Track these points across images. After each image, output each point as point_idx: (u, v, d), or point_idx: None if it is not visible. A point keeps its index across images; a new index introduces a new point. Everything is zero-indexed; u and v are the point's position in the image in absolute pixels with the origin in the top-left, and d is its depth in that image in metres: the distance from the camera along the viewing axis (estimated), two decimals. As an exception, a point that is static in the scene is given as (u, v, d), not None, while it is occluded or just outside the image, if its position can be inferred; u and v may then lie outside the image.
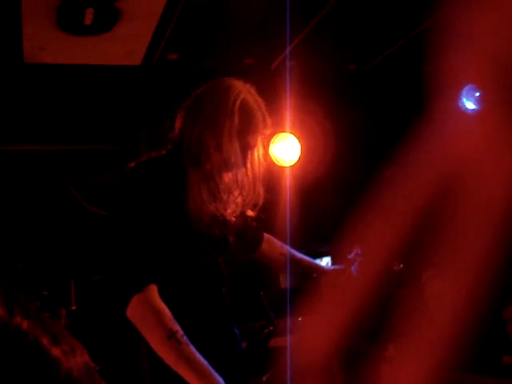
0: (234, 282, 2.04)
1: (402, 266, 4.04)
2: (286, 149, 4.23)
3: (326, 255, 4.54)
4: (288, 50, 4.16)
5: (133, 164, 1.89)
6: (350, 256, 2.23)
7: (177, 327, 1.67)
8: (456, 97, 3.96)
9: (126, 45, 3.82)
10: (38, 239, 4.55)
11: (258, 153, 2.00)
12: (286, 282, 4.13)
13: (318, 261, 4.64)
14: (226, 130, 1.86)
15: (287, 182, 4.14)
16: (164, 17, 3.52)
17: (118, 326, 1.82)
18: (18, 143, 4.30)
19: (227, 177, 1.93)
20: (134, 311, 1.69)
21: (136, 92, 4.29)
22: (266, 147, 2.06)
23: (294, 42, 4.08)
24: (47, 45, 3.73)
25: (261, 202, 2.01)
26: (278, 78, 4.05)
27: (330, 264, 4.69)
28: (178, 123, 1.95)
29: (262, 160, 2.02)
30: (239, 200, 1.97)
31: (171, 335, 1.65)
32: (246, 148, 1.92)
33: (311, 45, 4.17)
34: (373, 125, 4.77)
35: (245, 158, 1.93)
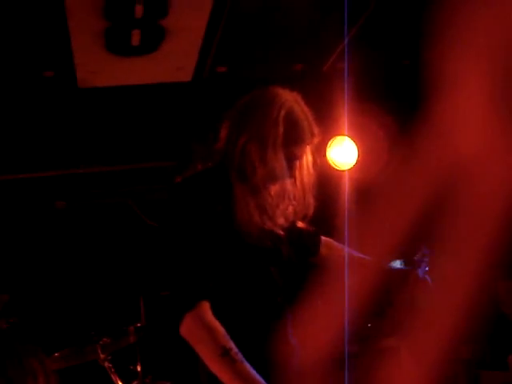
0: (292, 290, 2.00)
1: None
2: (343, 152, 4.18)
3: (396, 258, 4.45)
4: (339, 50, 4.10)
5: (179, 179, 1.89)
6: (417, 257, 2.16)
7: (231, 344, 1.65)
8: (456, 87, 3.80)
9: (174, 62, 3.87)
10: (106, 258, 4.64)
11: (306, 162, 1.96)
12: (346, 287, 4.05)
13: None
14: (271, 142, 1.82)
15: (346, 186, 4.08)
16: (209, 30, 3.54)
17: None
18: (77, 166, 4.40)
19: (275, 188, 1.89)
20: (187, 329, 1.69)
21: (189, 107, 4.32)
22: (315, 156, 2.02)
23: (343, 42, 4.02)
24: (98, 68, 3.82)
25: (311, 213, 1.97)
26: (330, 81, 4.00)
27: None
28: (223, 134, 1.93)
29: (310, 169, 1.97)
30: (289, 211, 1.93)
31: (225, 353, 1.63)
32: (292, 159, 1.88)
33: (363, 43, 4.10)
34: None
35: (291, 168, 1.90)
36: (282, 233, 1.92)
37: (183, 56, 3.81)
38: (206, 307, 1.70)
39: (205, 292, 1.72)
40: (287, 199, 1.91)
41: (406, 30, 4.07)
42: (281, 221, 1.90)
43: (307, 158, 1.96)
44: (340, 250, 2.20)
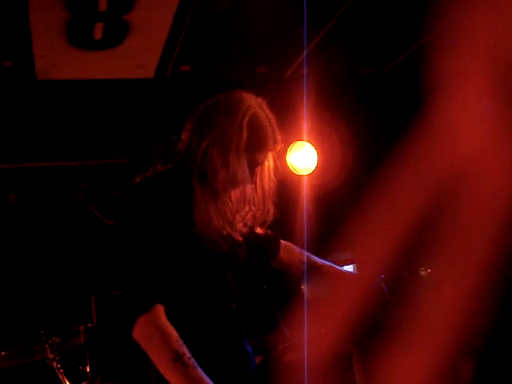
0: (247, 296, 1.99)
1: (429, 270, 3.96)
2: (303, 157, 4.19)
3: (349, 263, 4.48)
4: (302, 56, 4.12)
5: (138, 179, 1.85)
6: (370, 264, 2.17)
7: (183, 349, 1.62)
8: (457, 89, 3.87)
9: (137, 58, 3.81)
10: (57, 256, 4.55)
11: (267, 168, 1.94)
12: (309, 292, 4.06)
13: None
14: (234, 147, 1.80)
15: (305, 191, 4.09)
16: (174, 28, 3.50)
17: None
18: (34, 160, 4.31)
19: (235, 193, 1.87)
20: (139, 333, 1.65)
21: (150, 105, 4.27)
22: (276, 162, 2.01)
23: (307, 48, 4.03)
24: (59, 61, 3.74)
25: (270, 219, 1.96)
26: (292, 86, 4.01)
27: (354, 271, 4.63)
28: (185, 136, 1.90)
29: (272, 175, 1.96)
30: (248, 216, 1.91)
31: (178, 358, 1.60)
32: (254, 164, 1.87)
33: (326, 51, 4.12)
34: (390, 130, 4.70)
35: (253, 174, 1.88)
36: (240, 238, 1.90)
37: (146, 53, 3.76)
38: (159, 311, 1.66)
39: (159, 295, 1.68)
40: (247, 205, 1.89)
41: (369, 39, 4.10)
42: (239, 226, 1.89)
43: (269, 164, 1.94)
44: (299, 254, 2.20)
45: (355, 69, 4.57)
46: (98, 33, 3.46)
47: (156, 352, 1.63)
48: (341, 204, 4.65)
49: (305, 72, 4.27)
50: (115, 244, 1.81)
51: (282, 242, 2.19)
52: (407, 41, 4.19)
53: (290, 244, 2.21)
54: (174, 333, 1.63)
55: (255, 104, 1.86)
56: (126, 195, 1.83)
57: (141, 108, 4.26)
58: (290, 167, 4.15)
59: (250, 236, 1.98)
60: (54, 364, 3.29)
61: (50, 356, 3.29)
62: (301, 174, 4.17)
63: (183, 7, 3.31)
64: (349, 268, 4.57)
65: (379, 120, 4.66)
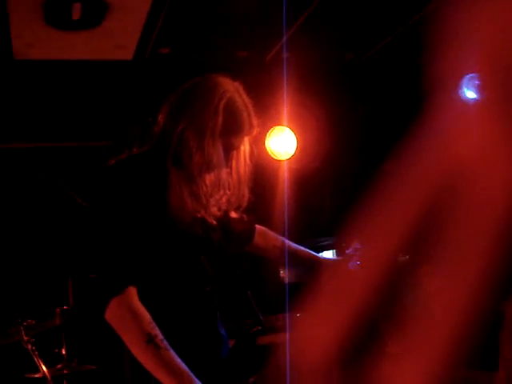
0: (221, 280, 1.99)
1: (407, 257, 3.99)
2: (282, 142, 4.19)
3: (329, 249, 4.50)
4: (283, 41, 4.10)
5: (112, 161, 1.84)
6: (349, 251, 2.18)
7: (156, 331, 1.62)
8: (455, 88, 3.89)
9: (116, 39, 3.77)
10: (34, 238, 4.52)
11: (243, 152, 1.95)
12: (286, 276, 4.08)
13: (321, 254, 4.62)
14: (209, 131, 1.80)
15: (284, 176, 4.10)
16: (153, 10, 3.46)
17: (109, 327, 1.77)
18: (9, 141, 4.26)
19: (210, 177, 1.87)
20: (112, 314, 1.65)
21: (128, 87, 4.24)
22: (252, 147, 2.01)
23: (288, 32, 4.01)
24: (36, 41, 3.68)
25: (245, 204, 1.96)
26: (273, 71, 3.99)
27: (333, 256, 4.65)
28: (161, 119, 1.89)
29: (247, 160, 1.96)
30: (223, 201, 1.91)
31: (150, 340, 1.60)
32: (229, 148, 1.87)
33: (306, 35, 4.10)
34: (371, 116, 4.71)
35: (228, 158, 1.88)
36: (214, 222, 1.90)
37: (125, 34, 3.72)
38: (132, 293, 1.66)
39: (132, 277, 1.68)
40: (222, 189, 1.90)
41: (350, 23, 4.10)
42: (214, 210, 1.89)
43: (245, 149, 1.95)
44: (275, 239, 2.21)
45: (336, 54, 4.56)
46: (76, 13, 3.41)
47: (128, 334, 1.63)
48: (320, 189, 4.67)
49: (284, 56, 4.26)
50: (89, 226, 1.81)
51: (258, 226, 2.20)
52: (389, 26, 4.19)
53: (266, 229, 2.22)
54: (146, 314, 1.64)
55: (232, 88, 1.86)
56: (100, 177, 1.82)
57: (119, 90, 4.22)
58: (269, 152, 4.15)
59: (225, 220, 1.99)
60: (29, 346, 3.28)
61: (25, 338, 3.28)
62: (280, 158, 4.18)
63: (163, -12, 3.28)
64: (328, 254, 4.60)
65: (359, 105, 4.66)
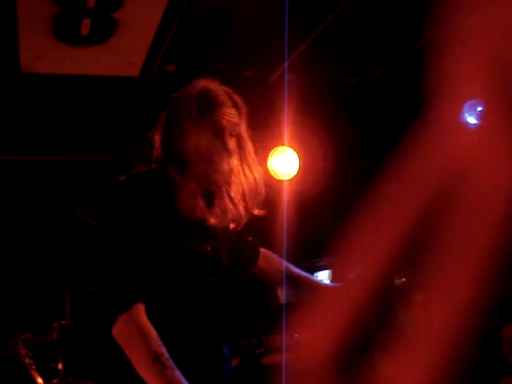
0: (226, 299, 1.99)
1: (404, 279, 3.99)
2: (284, 162, 4.20)
3: (325, 269, 4.51)
4: (287, 62, 4.13)
5: (122, 178, 1.84)
6: (351, 276, 2.16)
7: (162, 350, 1.61)
8: (456, 110, 3.93)
9: (123, 56, 3.80)
10: (33, 251, 4.51)
11: (246, 146, 1.87)
12: (283, 297, 4.08)
13: (317, 274, 4.64)
14: (187, 117, 1.76)
15: (285, 196, 4.10)
16: (162, 28, 3.50)
17: (110, 342, 1.76)
18: (14, 153, 4.27)
19: (214, 167, 1.81)
20: (119, 331, 1.64)
21: (134, 103, 4.26)
22: (249, 132, 1.91)
23: (293, 54, 4.05)
24: (44, 55, 3.71)
25: (262, 197, 1.88)
26: (277, 91, 4.02)
27: (329, 277, 4.67)
28: (158, 137, 1.88)
29: (253, 155, 1.89)
30: (239, 192, 1.85)
31: (156, 358, 1.59)
32: (219, 129, 1.79)
33: (311, 58, 4.14)
34: (372, 139, 4.74)
35: (224, 141, 1.80)
36: (227, 231, 1.88)
37: (133, 51, 3.75)
38: (140, 309, 1.65)
39: (140, 294, 1.67)
40: (234, 177, 1.84)
41: (354, 48, 4.14)
42: (231, 208, 1.84)
43: (246, 142, 1.88)
44: (278, 263, 2.18)
45: (339, 77, 4.60)
46: (85, 29, 3.44)
47: (134, 351, 1.62)
48: (321, 210, 4.67)
49: (286, 78, 4.29)
50: (98, 241, 1.80)
51: (262, 249, 2.19)
52: (391, 52, 4.23)
53: (269, 252, 2.20)
54: (153, 332, 1.63)
55: (206, 81, 1.84)
56: (110, 193, 1.82)
57: (125, 105, 4.24)
58: (271, 172, 4.17)
59: (231, 241, 1.97)
60: (27, 360, 3.26)
61: (23, 352, 3.26)
62: (282, 179, 4.19)
63: (172, 7, 3.31)
64: (324, 273, 4.60)
65: (361, 128, 4.69)
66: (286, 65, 4.14)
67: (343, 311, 2.09)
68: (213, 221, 1.84)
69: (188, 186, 1.78)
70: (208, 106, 1.77)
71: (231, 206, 1.85)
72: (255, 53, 4.00)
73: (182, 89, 1.86)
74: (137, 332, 1.62)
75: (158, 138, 1.87)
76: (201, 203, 1.80)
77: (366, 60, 4.35)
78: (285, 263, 2.19)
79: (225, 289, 1.95)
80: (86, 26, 3.42)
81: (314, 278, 2.31)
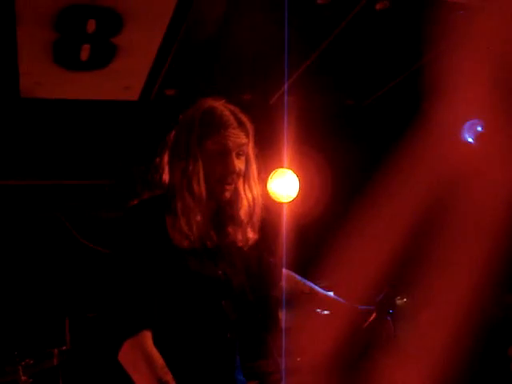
0: (243, 324, 1.94)
1: (405, 300, 3.97)
2: (284, 185, 4.20)
3: (326, 290, 4.49)
4: (286, 85, 4.15)
5: (134, 202, 1.84)
6: (380, 298, 2.11)
7: (168, 377, 1.60)
8: (456, 133, 3.94)
9: (122, 80, 3.81)
10: (32, 275, 4.49)
11: (251, 166, 1.87)
12: (285, 320, 4.05)
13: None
14: (187, 143, 1.76)
15: (284, 218, 4.10)
16: (161, 53, 3.51)
17: (111, 366, 1.74)
18: (14, 178, 4.27)
19: (225, 197, 1.82)
20: (125, 356, 1.64)
21: (133, 127, 4.27)
22: (257, 153, 1.90)
23: (292, 77, 4.07)
24: (43, 80, 3.72)
25: (258, 217, 1.87)
26: (276, 114, 4.03)
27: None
28: (165, 160, 1.89)
29: (256, 176, 1.89)
30: (246, 226, 1.85)
31: None
32: (225, 152, 1.77)
33: (309, 80, 4.16)
34: (371, 161, 4.74)
35: (230, 164, 1.78)
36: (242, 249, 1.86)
37: (132, 75, 3.77)
38: (147, 336, 1.65)
39: (148, 321, 1.67)
40: (240, 205, 1.84)
41: (351, 71, 4.16)
42: (240, 234, 1.85)
43: (251, 162, 1.87)
44: (302, 284, 2.14)
45: (338, 99, 4.62)
46: (85, 54, 3.46)
47: (139, 377, 1.61)
48: (321, 232, 4.66)
49: (285, 100, 4.31)
50: (108, 266, 1.79)
51: (285, 270, 2.13)
52: (389, 75, 4.25)
53: (293, 273, 2.15)
54: (159, 359, 1.62)
55: (212, 102, 1.85)
56: (121, 217, 1.81)
57: (124, 130, 4.25)
58: (271, 194, 4.16)
59: (251, 262, 1.95)
60: (27, 386, 3.24)
61: (23, 378, 3.24)
62: (281, 201, 4.19)
63: (171, 32, 3.33)
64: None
65: (360, 150, 4.70)
66: (285, 87, 4.16)
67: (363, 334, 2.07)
68: (222, 243, 1.83)
69: (191, 213, 1.76)
70: (212, 128, 1.76)
71: (238, 227, 1.85)
72: (254, 76, 4.02)
73: (187, 110, 1.86)
74: (142, 358, 1.61)
75: (165, 161, 1.87)
76: (205, 227, 1.79)
77: (365, 82, 4.38)
78: (309, 285, 2.15)
79: (242, 314, 1.92)
80: (85, 51, 3.43)
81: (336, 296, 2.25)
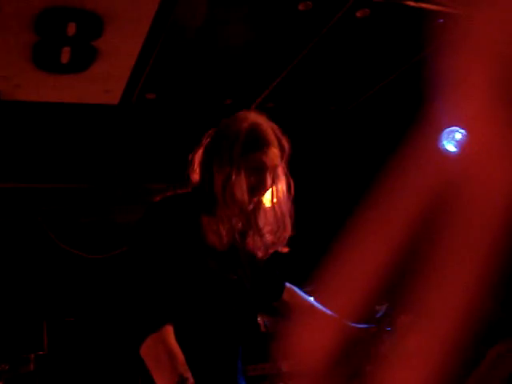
0: (249, 327, 1.96)
1: (385, 305, 3.97)
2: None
3: (308, 295, 4.52)
4: (267, 91, 4.17)
5: (158, 198, 1.84)
6: (379, 314, 2.10)
7: (188, 374, 1.61)
8: (436, 140, 3.96)
9: (103, 84, 3.79)
10: (9, 279, 4.45)
11: (281, 186, 1.89)
12: (264, 326, 4.06)
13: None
14: (228, 155, 1.78)
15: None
16: (142, 56, 3.50)
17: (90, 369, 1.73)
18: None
19: (250, 209, 1.84)
20: (147, 351, 1.64)
21: (113, 131, 4.25)
22: (289, 178, 1.94)
23: (273, 83, 4.08)
24: (23, 83, 3.69)
25: (285, 241, 1.90)
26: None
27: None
28: (197, 160, 1.90)
29: (285, 193, 1.91)
30: (269, 238, 1.88)
31: (181, 381, 1.59)
32: (261, 169, 1.81)
33: (291, 86, 4.18)
34: (353, 166, 4.76)
35: (264, 181, 1.81)
36: (260, 262, 1.90)
37: (113, 79, 3.75)
38: (169, 331, 1.65)
39: (171, 315, 1.68)
40: (267, 223, 1.86)
41: (334, 77, 4.18)
42: (261, 248, 1.87)
43: (280, 180, 1.89)
44: (302, 299, 2.14)
45: (319, 105, 4.63)
46: (65, 57, 3.44)
47: (160, 372, 1.61)
48: (301, 239, 4.66)
49: (266, 106, 4.32)
50: (128, 262, 1.79)
51: (287, 284, 2.15)
52: (370, 81, 4.28)
53: (294, 287, 2.17)
54: (181, 355, 1.62)
55: (256, 115, 1.87)
56: (145, 212, 1.81)
57: (104, 134, 4.23)
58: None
59: (257, 271, 1.97)
60: (2, 392, 3.21)
61: (-2, 383, 3.21)
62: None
63: (152, 36, 3.33)
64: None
65: (342, 155, 4.72)
66: (266, 93, 4.17)
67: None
68: (241, 250, 1.86)
69: (233, 220, 1.80)
70: (256, 145, 1.80)
71: (258, 238, 1.87)
72: (236, 81, 4.03)
73: (232, 118, 1.87)
74: (165, 353, 1.62)
75: (197, 161, 1.89)
76: (230, 235, 1.82)
77: (346, 88, 4.40)
78: (310, 300, 2.14)
79: (248, 317, 1.94)
80: (66, 54, 3.41)
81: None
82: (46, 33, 3.23)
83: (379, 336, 2.03)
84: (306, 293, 4.58)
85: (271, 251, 1.91)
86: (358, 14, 3.34)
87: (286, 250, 1.96)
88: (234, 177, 1.78)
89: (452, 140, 3.99)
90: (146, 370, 1.66)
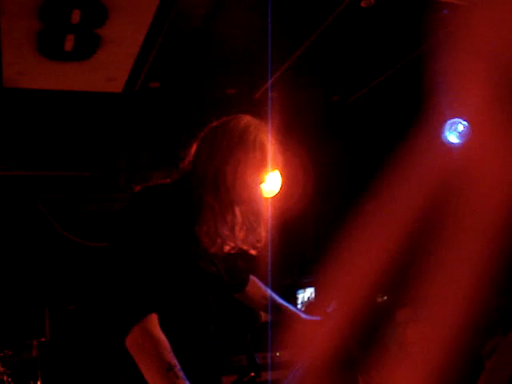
0: (222, 319, 2.00)
1: (385, 297, 3.99)
2: (267, 179, 4.20)
3: (309, 286, 4.57)
4: (271, 80, 4.16)
5: (139, 188, 1.85)
6: (329, 310, 2.17)
7: (175, 361, 1.62)
8: (439, 132, 3.96)
9: (107, 72, 3.80)
10: (12, 266, 4.46)
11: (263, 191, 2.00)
12: (265, 317, 4.09)
13: (301, 292, 4.66)
14: (248, 166, 1.85)
15: (269, 213, 4.10)
16: (146, 45, 3.50)
17: (93, 358, 1.74)
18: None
19: (237, 212, 1.91)
20: (133, 341, 1.64)
21: (116, 119, 4.25)
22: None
23: (276, 72, 4.08)
24: (27, 70, 3.70)
25: (261, 243, 1.97)
26: (260, 109, 4.03)
27: (313, 295, 4.71)
28: (191, 154, 1.93)
29: (265, 197, 2.01)
30: (240, 236, 1.92)
31: (170, 368, 1.60)
32: (257, 184, 1.91)
33: (294, 76, 4.17)
34: (354, 157, 4.77)
35: (256, 193, 1.92)
36: (224, 256, 1.91)
37: (116, 67, 3.75)
38: (154, 320, 1.67)
39: (155, 305, 1.68)
40: (245, 224, 1.92)
41: (337, 67, 4.18)
42: (231, 244, 1.89)
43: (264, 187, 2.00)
44: (264, 291, 2.22)
45: (323, 95, 4.63)
46: (69, 44, 3.44)
47: (148, 361, 1.62)
48: (304, 228, 4.68)
49: (270, 96, 4.31)
50: (112, 251, 1.80)
51: (251, 276, 2.21)
52: (374, 72, 4.27)
53: (256, 279, 2.24)
54: (167, 343, 1.64)
55: (262, 128, 1.94)
56: (128, 202, 1.82)
57: (107, 121, 4.23)
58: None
59: (228, 264, 1.99)
60: (5, 378, 3.23)
61: (1, 369, 3.23)
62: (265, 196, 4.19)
63: (156, 24, 3.32)
64: (308, 291, 4.65)
65: (343, 146, 4.72)
66: (269, 82, 4.17)
67: (323, 341, 2.09)
68: (227, 247, 1.89)
69: (213, 215, 1.83)
70: (264, 165, 1.89)
71: (233, 244, 1.90)
72: (239, 70, 4.02)
73: (235, 121, 1.93)
74: (151, 342, 1.63)
75: (191, 157, 1.92)
76: (220, 231, 1.84)
77: (349, 80, 4.39)
78: (269, 292, 2.23)
79: (222, 309, 1.96)
80: (69, 42, 3.42)
81: (295, 307, 2.34)
82: (50, 20, 3.23)
83: (327, 329, 2.09)
84: (307, 283, 4.63)
85: (245, 248, 1.94)
86: (363, 4, 3.34)
87: (238, 257, 2.02)
88: (244, 161, 1.84)
89: (454, 131, 3.99)
90: (129, 363, 1.67)
